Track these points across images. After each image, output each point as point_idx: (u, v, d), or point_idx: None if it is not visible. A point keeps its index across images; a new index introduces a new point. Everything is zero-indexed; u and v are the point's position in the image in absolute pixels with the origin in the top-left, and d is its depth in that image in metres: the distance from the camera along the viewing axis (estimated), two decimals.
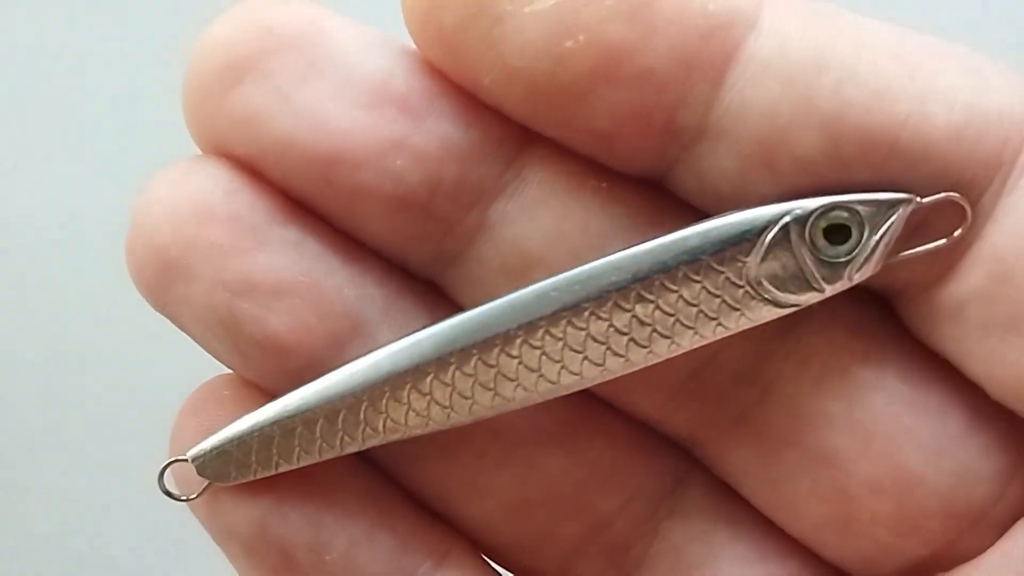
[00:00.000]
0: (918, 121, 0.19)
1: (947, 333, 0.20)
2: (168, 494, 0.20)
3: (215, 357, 0.20)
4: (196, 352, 0.21)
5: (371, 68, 0.19)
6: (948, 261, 0.20)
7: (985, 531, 0.21)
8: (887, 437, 0.20)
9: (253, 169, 0.19)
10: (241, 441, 0.20)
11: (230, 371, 0.21)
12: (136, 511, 0.36)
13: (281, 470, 0.20)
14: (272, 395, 0.20)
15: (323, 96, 0.19)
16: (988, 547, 0.21)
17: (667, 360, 0.20)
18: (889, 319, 0.21)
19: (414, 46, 0.20)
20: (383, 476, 0.22)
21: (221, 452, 0.20)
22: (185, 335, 0.20)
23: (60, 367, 0.39)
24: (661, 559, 0.22)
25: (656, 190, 0.20)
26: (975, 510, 0.21)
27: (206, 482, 0.20)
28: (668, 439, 0.22)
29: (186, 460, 0.20)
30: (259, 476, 0.20)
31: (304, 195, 0.19)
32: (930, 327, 0.20)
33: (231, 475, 0.20)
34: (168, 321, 0.20)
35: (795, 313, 0.20)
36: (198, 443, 0.20)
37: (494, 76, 0.18)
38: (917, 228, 0.20)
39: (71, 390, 0.38)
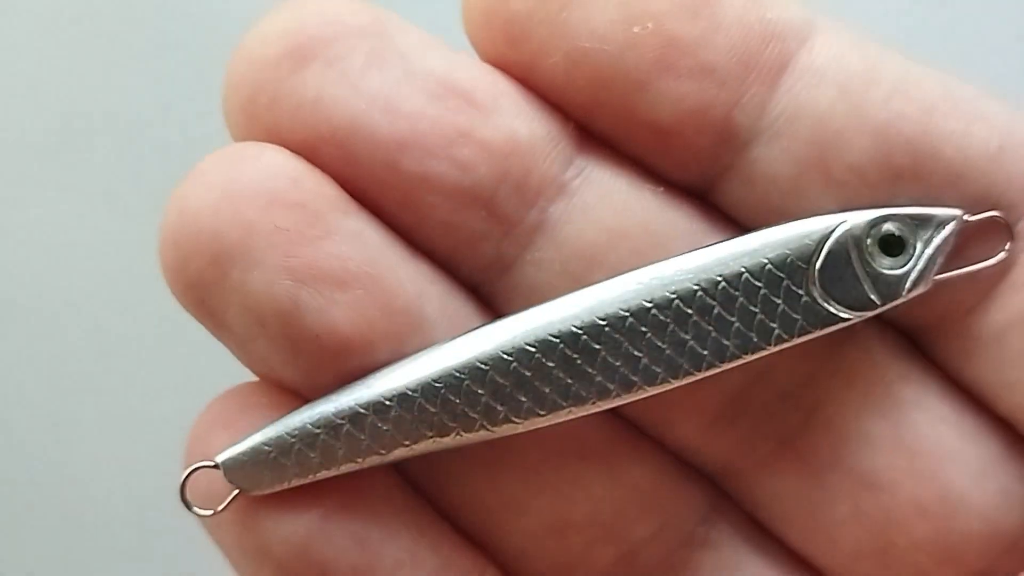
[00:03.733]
0: (961, 139, 0.19)
1: (984, 363, 0.20)
2: (191, 507, 0.19)
3: (250, 359, 0.19)
4: None
5: (434, 62, 0.19)
6: (984, 288, 0.20)
7: (1017, 560, 0.20)
8: (932, 457, 0.20)
9: (310, 157, 0.19)
10: (280, 442, 0.19)
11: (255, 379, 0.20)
12: None
13: (321, 476, 0.19)
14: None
15: (391, 83, 0.19)
16: None
17: (713, 382, 0.20)
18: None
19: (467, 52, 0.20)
20: (422, 495, 0.21)
21: (255, 455, 0.19)
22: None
23: None
24: None
25: (703, 203, 0.20)
26: (1013, 534, 0.20)
27: (233, 493, 0.19)
28: (700, 470, 0.22)
29: (214, 466, 0.19)
30: (295, 483, 0.19)
31: (366, 183, 0.19)
32: (964, 358, 0.20)
33: (265, 482, 0.19)
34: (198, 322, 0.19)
35: (838, 332, 0.20)
36: (226, 448, 0.19)
37: (561, 58, 0.19)
38: (953, 252, 0.20)
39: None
